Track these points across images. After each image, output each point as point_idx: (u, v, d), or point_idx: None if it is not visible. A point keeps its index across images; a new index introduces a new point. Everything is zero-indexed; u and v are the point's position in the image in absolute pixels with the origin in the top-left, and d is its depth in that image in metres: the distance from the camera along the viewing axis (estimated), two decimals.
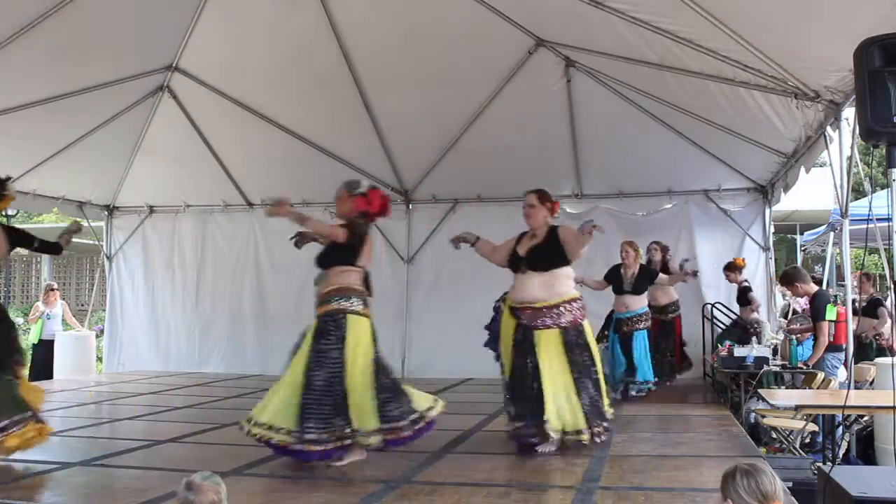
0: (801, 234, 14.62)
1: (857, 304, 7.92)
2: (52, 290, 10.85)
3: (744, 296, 8.29)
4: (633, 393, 7.31)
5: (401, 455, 4.84)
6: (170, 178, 10.28)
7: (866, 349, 7.58)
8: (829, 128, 6.18)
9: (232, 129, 9.20)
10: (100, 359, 11.47)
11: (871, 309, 7.98)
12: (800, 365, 6.65)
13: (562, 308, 4.87)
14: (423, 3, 6.93)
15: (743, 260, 8.60)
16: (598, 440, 4.76)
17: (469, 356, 9.43)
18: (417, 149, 9.29)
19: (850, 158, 6.11)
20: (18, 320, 17.04)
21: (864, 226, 5.40)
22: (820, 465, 4.58)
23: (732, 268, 8.40)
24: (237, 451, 4.92)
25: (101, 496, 3.94)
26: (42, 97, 7.58)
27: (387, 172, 9.76)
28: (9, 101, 7.48)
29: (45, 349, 10.34)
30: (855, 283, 9.10)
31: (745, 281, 8.39)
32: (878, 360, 7.08)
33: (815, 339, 6.75)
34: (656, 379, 7.54)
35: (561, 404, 4.71)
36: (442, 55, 7.61)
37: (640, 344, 7.35)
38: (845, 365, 6.51)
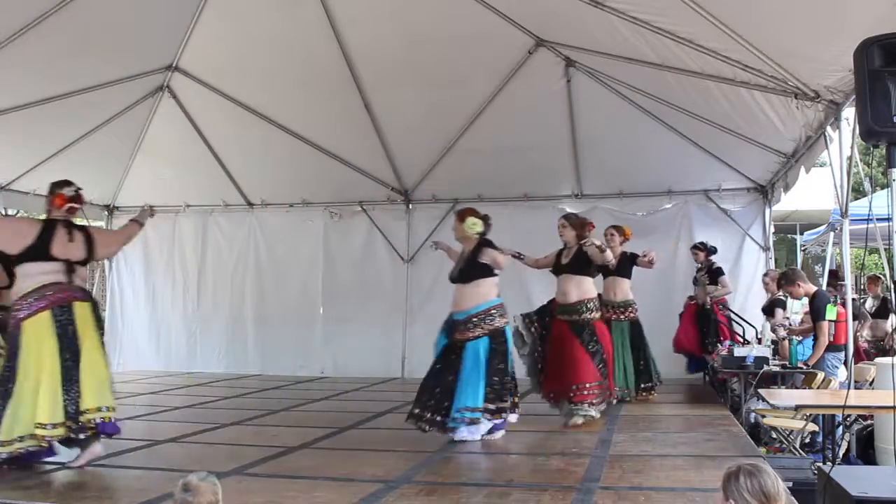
0: (801, 234, 14.63)
1: (865, 307, 7.86)
2: None
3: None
4: (450, 424, 5.14)
5: (401, 455, 4.85)
6: (170, 178, 10.28)
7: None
8: (829, 128, 6.18)
9: (232, 129, 9.20)
10: None
11: (883, 310, 7.89)
12: (800, 365, 6.65)
13: None
14: (423, 2, 6.93)
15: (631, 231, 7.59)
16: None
17: None
18: (417, 148, 9.30)
19: (850, 158, 6.11)
20: None
21: (864, 226, 5.40)
22: (820, 465, 4.57)
23: (621, 233, 7.51)
24: (237, 451, 4.93)
25: (101, 496, 3.94)
26: (42, 97, 7.58)
27: (387, 172, 9.77)
28: (9, 102, 7.47)
29: None
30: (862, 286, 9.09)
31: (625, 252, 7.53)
32: (878, 360, 7.08)
33: (816, 338, 6.75)
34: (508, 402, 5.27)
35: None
36: (442, 55, 7.61)
37: (471, 359, 5.19)
38: (845, 365, 6.51)
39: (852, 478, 3.56)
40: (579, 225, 6.22)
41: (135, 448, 5.13)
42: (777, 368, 6.71)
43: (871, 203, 5.09)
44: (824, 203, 12.24)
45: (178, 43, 7.94)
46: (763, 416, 6.35)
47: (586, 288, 6.11)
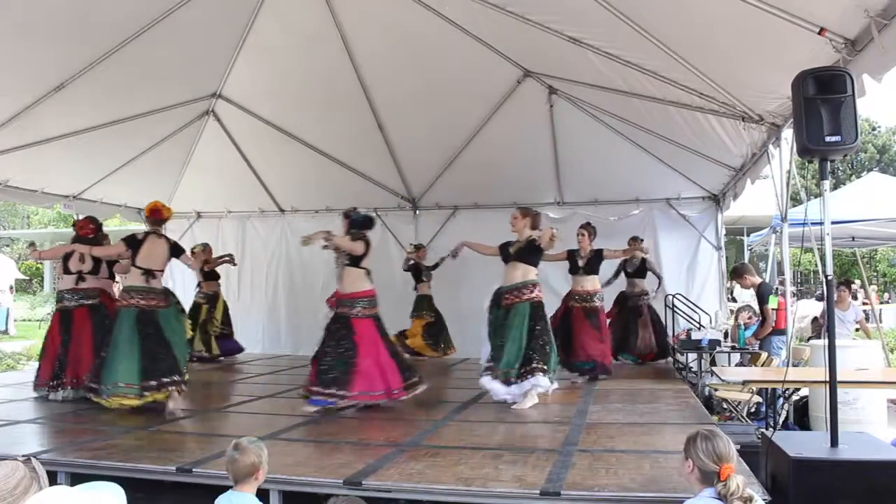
0: (748, 235, 14.60)
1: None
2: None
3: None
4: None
5: (410, 422, 4.86)
6: (214, 188, 10.29)
7: None
8: (770, 146, 6.18)
9: (267, 147, 9.20)
10: None
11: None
12: (747, 342, 6.68)
13: None
14: (430, 39, 6.92)
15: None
16: None
17: (467, 339, 9.49)
18: (423, 163, 9.29)
19: (788, 172, 6.10)
20: None
21: (801, 229, 5.40)
22: (763, 430, 4.59)
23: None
24: (271, 420, 4.95)
25: (160, 457, 3.95)
26: (108, 120, 7.59)
27: (397, 183, 9.78)
28: (82, 124, 7.49)
29: None
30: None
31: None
32: (812, 342, 7.10)
33: (762, 319, 6.78)
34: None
35: None
36: (445, 83, 7.60)
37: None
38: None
39: (790, 441, 3.58)
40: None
41: (186, 417, 5.16)
42: (727, 349, 6.73)
43: (806, 210, 5.10)
44: (767, 209, 12.15)
45: (222, 74, 7.94)
46: (716, 390, 6.37)
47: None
